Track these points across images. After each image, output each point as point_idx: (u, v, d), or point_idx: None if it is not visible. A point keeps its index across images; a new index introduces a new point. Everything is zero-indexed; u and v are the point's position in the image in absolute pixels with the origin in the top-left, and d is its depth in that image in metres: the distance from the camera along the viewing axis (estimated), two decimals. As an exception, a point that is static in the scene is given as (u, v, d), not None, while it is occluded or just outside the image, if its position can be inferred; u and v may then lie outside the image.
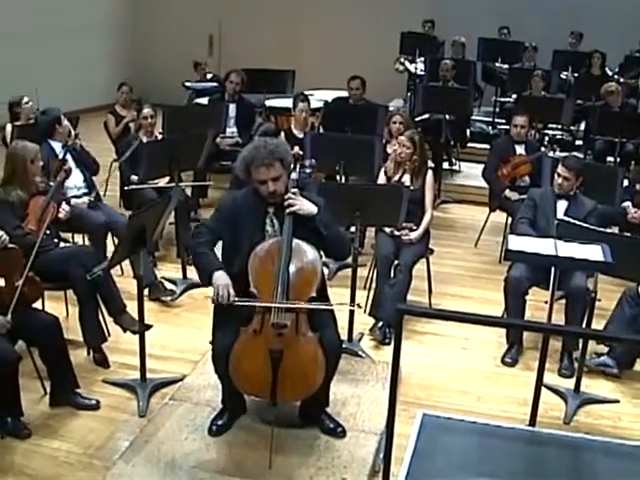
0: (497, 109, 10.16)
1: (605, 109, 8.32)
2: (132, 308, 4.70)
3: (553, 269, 4.07)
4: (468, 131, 9.40)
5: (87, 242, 5.78)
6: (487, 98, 10.63)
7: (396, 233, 5.50)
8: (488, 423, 3.25)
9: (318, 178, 6.23)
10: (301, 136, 6.84)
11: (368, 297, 5.50)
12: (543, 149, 7.13)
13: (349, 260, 4.75)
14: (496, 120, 10.00)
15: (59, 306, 5.12)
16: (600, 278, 4.51)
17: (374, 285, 5.48)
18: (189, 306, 5.52)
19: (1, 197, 4.73)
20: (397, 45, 10.59)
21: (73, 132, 6.08)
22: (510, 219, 6.54)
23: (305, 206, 3.79)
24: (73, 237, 5.82)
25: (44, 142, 5.74)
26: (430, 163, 5.98)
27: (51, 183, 5.10)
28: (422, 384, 4.75)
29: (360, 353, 4.95)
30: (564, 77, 9.86)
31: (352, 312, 4.92)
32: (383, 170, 5.92)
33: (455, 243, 7.25)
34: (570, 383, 4.71)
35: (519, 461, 2.96)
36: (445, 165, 8.85)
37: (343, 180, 6.39)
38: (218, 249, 3.90)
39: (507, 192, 6.76)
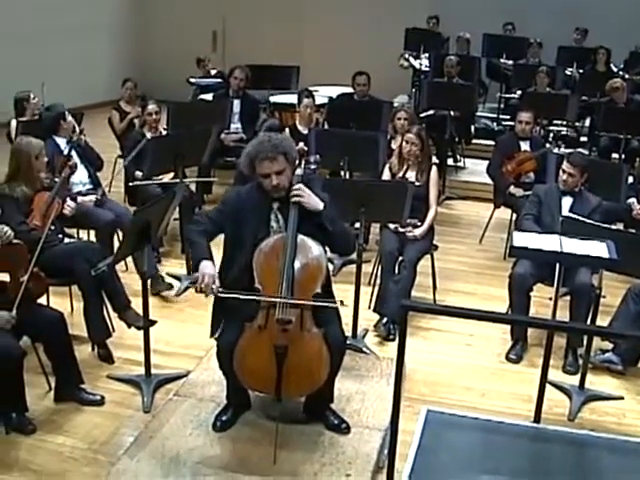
0: (502, 105, 10.13)
1: (610, 105, 8.30)
2: (137, 304, 4.71)
3: (558, 265, 4.07)
4: (473, 127, 9.39)
5: (92, 238, 5.79)
6: (492, 94, 10.61)
7: (400, 230, 5.50)
8: (492, 419, 3.25)
9: (322, 174, 6.23)
10: (306, 132, 6.84)
11: (372, 293, 5.50)
12: (548, 145, 7.11)
13: (354, 256, 4.75)
14: (501, 116, 9.99)
15: (64, 302, 5.12)
16: (605, 275, 4.49)
17: (378, 281, 5.49)
18: (193, 302, 5.52)
19: (6, 193, 4.74)
20: (402, 41, 10.59)
21: (77, 128, 6.09)
22: (515, 215, 6.52)
23: (312, 200, 3.78)
24: (78, 233, 5.82)
25: (49, 138, 5.75)
26: (435, 159, 5.97)
27: (56, 179, 5.11)
28: (426, 380, 4.75)
29: (364, 349, 4.95)
30: (569, 73, 9.82)
31: (357, 308, 4.93)
32: (388, 166, 5.91)
33: (459, 239, 7.24)
34: (575, 380, 4.71)
35: (523, 458, 2.96)
36: (450, 161, 8.85)
37: (347, 176, 6.38)
38: (218, 247, 3.89)
39: (512, 188, 6.74)
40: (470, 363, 5.02)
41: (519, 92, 9.36)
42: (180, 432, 3.86)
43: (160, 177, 6.23)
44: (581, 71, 9.83)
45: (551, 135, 8.27)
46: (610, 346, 4.97)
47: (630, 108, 8.39)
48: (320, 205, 3.79)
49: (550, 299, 4.25)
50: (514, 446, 3.04)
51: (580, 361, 4.80)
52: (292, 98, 7.94)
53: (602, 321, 4.79)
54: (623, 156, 7.80)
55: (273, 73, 9.07)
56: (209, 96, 8.93)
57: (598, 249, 3.94)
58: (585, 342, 4.68)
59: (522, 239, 4.11)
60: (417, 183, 5.56)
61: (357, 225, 4.98)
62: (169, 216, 4.74)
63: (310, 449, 3.76)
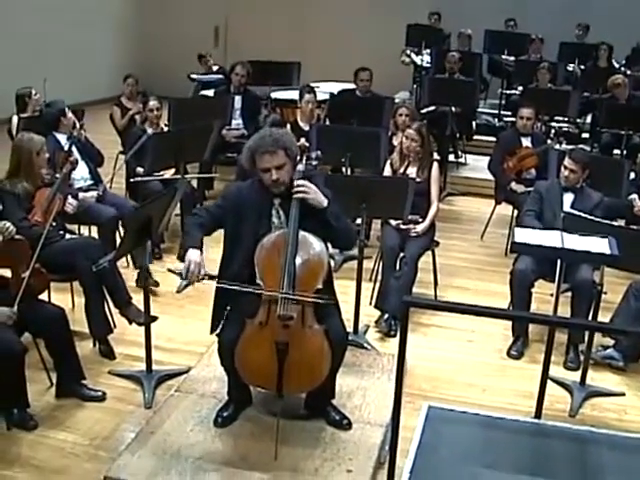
0: (503, 101, 10.13)
1: (612, 102, 8.29)
2: (138, 300, 4.71)
3: (559, 262, 4.06)
4: (474, 123, 9.39)
5: (94, 234, 5.79)
6: (493, 90, 10.61)
7: (402, 227, 5.49)
8: (493, 415, 3.26)
9: (324, 170, 6.22)
10: (307, 128, 6.83)
11: (374, 289, 5.50)
12: (549, 142, 7.11)
13: (355, 252, 4.75)
14: (502, 112, 9.99)
15: (65, 298, 5.13)
16: (606, 271, 4.50)
17: (380, 277, 5.49)
18: (195, 298, 5.52)
19: (7, 189, 4.74)
20: (403, 37, 10.58)
21: (78, 124, 6.09)
22: (516, 212, 6.53)
23: (318, 197, 3.77)
24: (79, 229, 5.83)
25: (49, 134, 5.74)
26: (436, 155, 5.96)
27: (57, 175, 5.11)
28: (428, 376, 4.75)
29: (366, 345, 4.95)
30: (571, 69, 9.81)
31: (358, 304, 4.93)
32: (389, 162, 5.91)
33: (461, 236, 7.24)
34: (576, 376, 4.71)
35: (525, 453, 2.96)
36: (451, 157, 8.85)
37: (349, 172, 6.38)
38: (218, 244, 3.89)
39: (513, 185, 6.75)
40: (471, 359, 5.02)
41: (520, 88, 9.33)
42: (181, 428, 3.86)
43: (161, 173, 6.22)
44: (583, 67, 9.80)
45: (552, 131, 8.25)
46: (611, 342, 4.97)
47: (632, 104, 8.37)
48: (324, 202, 3.77)
49: (551, 295, 4.25)
50: (515, 442, 3.04)
51: (581, 357, 4.80)
52: (293, 94, 7.93)
53: (603, 317, 4.79)
54: (625, 152, 7.79)
55: (274, 69, 9.06)
56: (210, 92, 8.92)
57: (599, 245, 3.94)
58: (586, 338, 4.68)
59: (523, 235, 4.11)
60: (418, 179, 5.55)
61: (358, 221, 4.98)
62: (170, 212, 4.74)
63: (311, 445, 3.76)
